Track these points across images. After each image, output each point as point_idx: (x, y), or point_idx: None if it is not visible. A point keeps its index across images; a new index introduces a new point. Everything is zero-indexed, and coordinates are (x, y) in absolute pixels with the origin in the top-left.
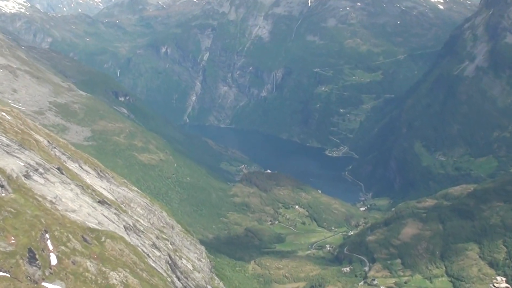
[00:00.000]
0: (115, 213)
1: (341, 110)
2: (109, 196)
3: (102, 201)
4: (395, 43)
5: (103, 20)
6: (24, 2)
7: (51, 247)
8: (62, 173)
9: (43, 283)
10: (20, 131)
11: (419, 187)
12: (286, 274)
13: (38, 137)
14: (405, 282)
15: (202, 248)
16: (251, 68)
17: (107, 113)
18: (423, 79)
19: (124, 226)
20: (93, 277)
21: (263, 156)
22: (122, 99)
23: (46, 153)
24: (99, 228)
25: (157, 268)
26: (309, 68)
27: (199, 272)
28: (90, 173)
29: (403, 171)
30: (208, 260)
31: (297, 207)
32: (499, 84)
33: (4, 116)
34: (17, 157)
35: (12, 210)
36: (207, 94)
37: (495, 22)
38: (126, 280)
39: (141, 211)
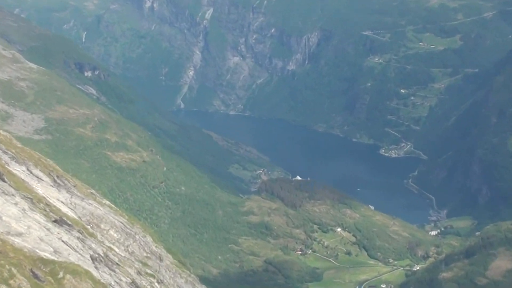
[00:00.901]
0: (78, 238)
1: (402, 91)
2: (70, 213)
3: (60, 221)
4: None
5: None
6: None
7: None
8: (3, 180)
9: None
10: None
11: None
12: None
13: None
14: None
15: None
16: (273, 31)
17: (67, 94)
18: None
19: (91, 257)
20: None
21: (290, 157)
22: (89, 74)
23: None
24: (56, 259)
25: None
26: (356, 30)
27: None
28: (42, 180)
29: (492, 179)
30: None
31: (339, 230)
32: None
33: None
34: None
35: None
36: (211, 68)
37: None
38: None
39: (115, 235)
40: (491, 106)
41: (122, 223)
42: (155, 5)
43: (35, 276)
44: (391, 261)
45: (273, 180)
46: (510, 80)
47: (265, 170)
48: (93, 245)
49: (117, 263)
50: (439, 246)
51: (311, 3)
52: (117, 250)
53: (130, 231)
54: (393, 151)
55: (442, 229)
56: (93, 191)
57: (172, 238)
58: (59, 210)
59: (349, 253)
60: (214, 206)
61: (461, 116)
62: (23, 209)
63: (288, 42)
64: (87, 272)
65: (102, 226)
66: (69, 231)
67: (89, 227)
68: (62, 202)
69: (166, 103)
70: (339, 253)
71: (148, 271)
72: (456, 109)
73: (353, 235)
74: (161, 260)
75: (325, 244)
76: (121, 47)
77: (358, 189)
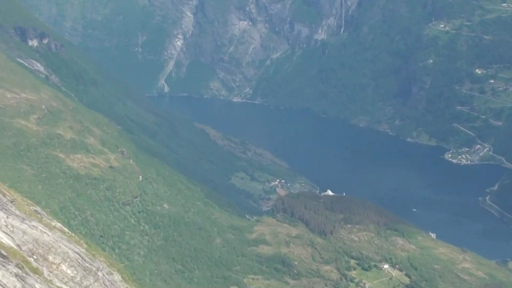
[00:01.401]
0: (16, 276)
1: (478, 72)
2: (5, 240)
3: None
4: None
5: None
6: None
7: None
8: None
9: None
10: None
11: None
12: None
13: None
14: None
15: None
16: None
17: (3, 71)
18: None
19: None
20: None
21: (318, 163)
22: (35, 43)
23: None
24: None
25: None
26: None
27: None
28: None
29: None
30: None
31: (386, 266)
32: None
33: None
34: None
35: None
36: (207, 37)
37: None
38: None
39: (69, 272)
40: None
41: (79, 255)
42: None
43: None
44: None
45: (293, 196)
46: None
47: (283, 181)
48: (37, 286)
49: None
50: None
51: None
52: None
53: (90, 266)
54: (464, 156)
55: None
56: (38, 208)
57: (150, 276)
58: None
59: None
60: (210, 231)
61: None
62: None
63: (316, 1)
64: None
65: (50, 258)
66: (3, 266)
67: (32, 259)
68: None
69: (143, 85)
70: None
71: None
72: None
73: (407, 275)
74: None
75: (367, 286)
76: (81, 7)
77: (414, 210)
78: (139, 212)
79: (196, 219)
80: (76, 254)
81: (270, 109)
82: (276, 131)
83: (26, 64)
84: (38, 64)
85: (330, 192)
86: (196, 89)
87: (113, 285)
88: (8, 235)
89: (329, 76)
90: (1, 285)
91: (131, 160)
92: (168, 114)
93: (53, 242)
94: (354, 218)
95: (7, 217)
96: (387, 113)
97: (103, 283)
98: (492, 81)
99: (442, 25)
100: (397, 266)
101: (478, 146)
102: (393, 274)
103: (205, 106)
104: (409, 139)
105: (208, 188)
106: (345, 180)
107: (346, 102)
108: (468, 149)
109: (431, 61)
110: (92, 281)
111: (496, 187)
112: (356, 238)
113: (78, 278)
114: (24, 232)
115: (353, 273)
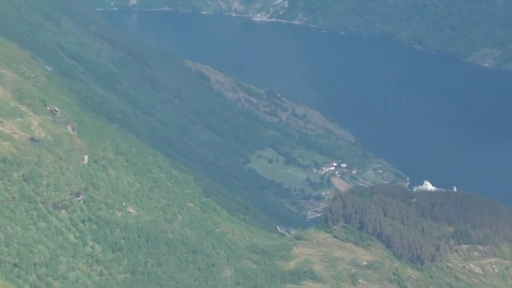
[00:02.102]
0: None
1: None
2: None
3: None
4: None
5: None
6: None
7: None
8: None
9: None
10: None
11: None
12: None
13: None
14: None
15: None
16: None
17: None
18: None
19: None
20: None
21: (406, 134)
22: None
23: None
24: None
25: None
26: None
27: None
28: None
29: None
30: None
31: None
32: None
33: None
34: None
35: None
36: None
37: None
38: None
39: None
40: None
41: None
42: None
43: None
44: None
45: (363, 193)
46: None
47: (344, 165)
48: None
49: None
50: None
51: None
52: None
53: None
54: None
55: None
56: None
57: None
58: None
59: None
60: (214, 257)
61: None
62: None
63: None
64: None
65: None
66: None
67: None
68: None
69: None
70: None
71: None
72: None
73: None
74: None
75: None
76: None
77: None
78: (83, 222)
79: (187, 235)
80: None
81: (321, 35)
82: (332, 76)
83: None
84: None
85: (429, 186)
86: (188, 0)
87: None
88: None
89: None
90: None
91: (69, 127)
92: (137, 44)
93: None
94: (473, 233)
95: None
96: None
97: None
98: None
99: None
100: None
101: None
102: None
103: (204, 30)
104: None
105: (208, 178)
106: (454, 165)
107: (457, 26)
108: None
109: None
110: None
111: None
112: (478, 269)
113: None
114: None
115: None
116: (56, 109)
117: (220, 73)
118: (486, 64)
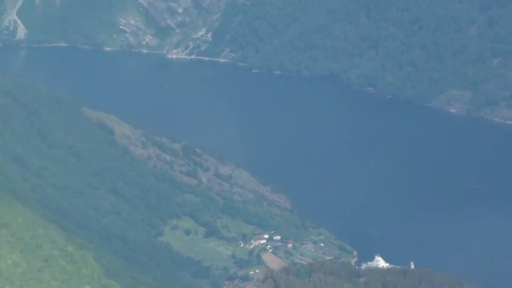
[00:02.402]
0: None
1: None
2: None
3: None
4: None
5: None
6: None
7: None
8: None
9: None
10: None
11: None
12: None
13: None
14: None
15: None
16: None
17: None
18: None
19: None
20: None
21: (353, 196)
22: None
23: None
24: None
25: None
26: None
27: None
28: None
29: None
30: None
31: None
32: None
33: None
34: None
35: None
36: None
37: None
38: None
39: None
40: None
41: None
42: None
43: None
44: None
45: (300, 271)
46: None
47: (277, 237)
48: None
49: None
50: None
51: None
52: None
53: None
54: None
55: None
56: None
57: None
58: None
59: None
60: None
61: None
62: None
63: None
64: None
65: None
66: None
67: None
68: None
69: None
70: None
71: None
72: None
73: None
74: None
75: None
76: None
77: None
78: None
79: None
80: None
81: (251, 75)
82: (264, 127)
83: None
84: None
85: (381, 262)
86: (88, 34)
87: None
88: None
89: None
90: None
91: None
92: (24, 88)
93: None
94: None
95: None
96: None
97: None
98: None
99: None
100: None
101: None
102: None
103: (107, 71)
104: None
105: (111, 255)
106: (412, 237)
107: (419, 63)
108: None
109: None
110: None
111: None
112: None
113: None
114: None
115: None
116: None
117: (127, 125)
118: (453, 110)
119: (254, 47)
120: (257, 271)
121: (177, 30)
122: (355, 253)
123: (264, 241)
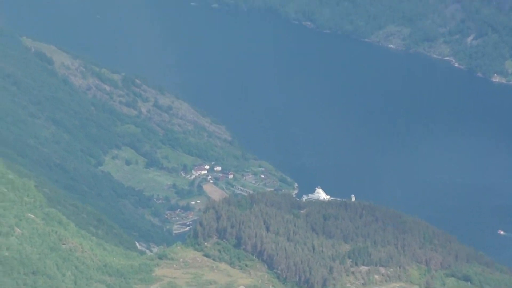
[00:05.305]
0: None
1: None
2: None
3: None
4: None
5: None
6: None
7: None
8: None
9: None
10: None
11: None
12: None
13: None
14: None
15: None
16: None
17: None
18: None
19: None
20: None
21: (296, 130)
22: None
23: None
24: None
25: None
26: None
27: None
28: None
29: None
30: None
31: None
32: None
33: None
34: None
35: None
36: None
37: None
38: None
39: None
40: None
41: None
42: None
43: None
44: None
45: (241, 202)
46: None
47: (218, 168)
48: None
49: None
50: None
51: None
52: None
53: None
54: None
55: None
56: None
57: None
58: None
59: None
60: (60, 280)
61: None
62: None
63: None
64: None
65: None
66: None
67: None
68: None
69: None
70: None
71: None
72: None
73: None
74: None
75: None
76: None
77: (502, 232)
78: None
79: (26, 252)
80: None
81: (190, 8)
82: (204, 58)
83: None
84: None
85: (321, 194)
86: None
87: None
88: None
89: None
90: None
91: None
92: None
93: None
94: (374, 252)
95: None
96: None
97: None
98: None
99: None
100: None
101: None
102: None
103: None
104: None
105: (52, 184)
106: (352, 169)
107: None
108: None
109: None
110: None
111: None
112: None
113: None
114: None
115: None
116: None
117: (66, 55)
118: (391, 46)
119: None
120: (198, 201)
121: None
122: (296, 185)
123: (205, 172)
